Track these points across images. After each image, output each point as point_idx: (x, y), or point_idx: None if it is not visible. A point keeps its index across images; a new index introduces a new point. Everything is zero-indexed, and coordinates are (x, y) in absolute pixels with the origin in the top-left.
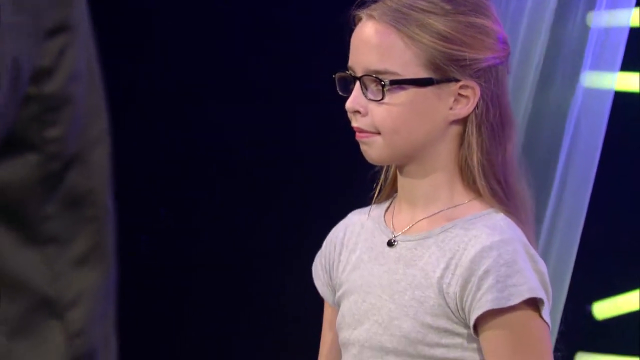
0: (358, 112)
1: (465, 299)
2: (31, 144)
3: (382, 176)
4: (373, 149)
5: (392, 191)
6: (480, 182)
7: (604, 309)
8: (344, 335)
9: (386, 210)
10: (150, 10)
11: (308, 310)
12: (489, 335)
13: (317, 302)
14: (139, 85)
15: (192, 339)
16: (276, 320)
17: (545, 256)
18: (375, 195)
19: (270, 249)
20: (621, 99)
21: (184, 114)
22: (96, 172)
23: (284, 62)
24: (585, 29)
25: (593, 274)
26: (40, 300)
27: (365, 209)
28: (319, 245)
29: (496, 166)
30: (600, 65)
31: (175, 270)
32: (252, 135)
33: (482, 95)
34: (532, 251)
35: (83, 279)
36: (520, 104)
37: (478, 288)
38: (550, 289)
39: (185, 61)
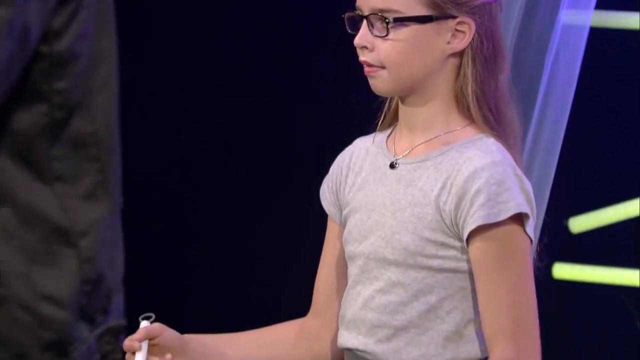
0: (365, 47)
1: (459, 215)
2: (41, 95)
3: (386, 106)
4: (379, 82)
5: (394, 119)
6: (474, 110)
7: (580, 223)
8: (351, 248)
9: (388, 137)
10: (150, 10)
11: (307, 309)
12: (478, 246)
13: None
14: (140, 84)
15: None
16: (275, 320)
17: (526, 176)
18: (380, 123)
19: (270, 248)
20: (596, 34)
21: (184, 111)
22: (99, 116)
23: (284, 59)
24: None
25: (569, 192)
26: (55, 230)
27: (370, 136)
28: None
29: (489, 95)
30: (577, 4)
31: (175, 269)
32: (252, 132)
33: (477, 30)
34: (519, 172)
35: (91, 212)
36: (506, 38)
37: (471, 205)
38: (534, 206)
39: (185, 59)
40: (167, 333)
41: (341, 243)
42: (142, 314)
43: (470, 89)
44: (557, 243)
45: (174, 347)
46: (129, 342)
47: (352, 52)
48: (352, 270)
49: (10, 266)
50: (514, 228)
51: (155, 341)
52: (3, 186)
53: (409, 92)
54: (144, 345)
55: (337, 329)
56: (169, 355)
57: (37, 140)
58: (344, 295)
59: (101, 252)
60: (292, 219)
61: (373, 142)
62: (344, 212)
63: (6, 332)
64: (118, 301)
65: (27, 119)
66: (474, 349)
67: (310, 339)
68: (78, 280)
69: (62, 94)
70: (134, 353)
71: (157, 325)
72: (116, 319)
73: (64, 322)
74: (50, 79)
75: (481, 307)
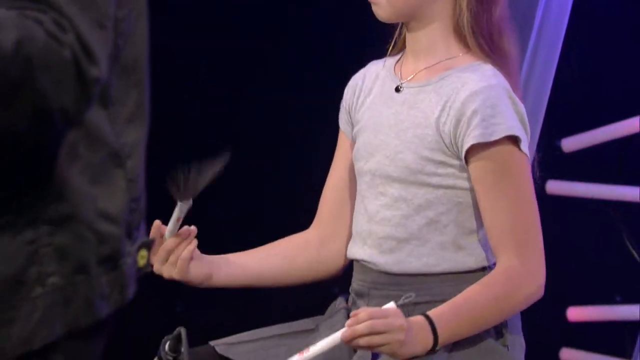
0: None
1: (457, 135)
2: (111, 21)
3: (397, 32)
4: (379, 9)
5: (403, 46)
6: (470, 39)
7: (572, 143)
8: (359, 165)
9: (396, 62)
10: None
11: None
12: (476, 165)
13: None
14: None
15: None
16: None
17: (522, 100)
18: (390, 48)
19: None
20: None
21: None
22: (139, 42)
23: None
24: None
25: (562, 114)
26: (110, 153)
27: (382, 60)
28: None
29: (483, 26)
30: None
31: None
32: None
33: None
34: (514, 95)
35: (134, 134)
36: None
37: (468, 126)
38: (528, 127)
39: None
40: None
41: (350, 157)
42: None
43: (465, 20)
44: (550, 161)
45: (198, 255)
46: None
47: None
48: (360, 185)
49: (77, 187)
50: (508, 148)
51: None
52: None
53: (409, 18)
54: (186, 205)
55: (342, 239)
56: (193, 227)
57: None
58: (355, 209)
59: (141, 172)
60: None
61: (383, 66)
62: (354, 130)
63: (70, 247)
64: (144, 221)
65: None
66: (471, 260)
67: (317, 247)
68: (127, 199)
69: (122, 21)
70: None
71: (193, 228)
72: (144, 235)
73: (117, 238)
74: (117, 7)
75: (485, 221)
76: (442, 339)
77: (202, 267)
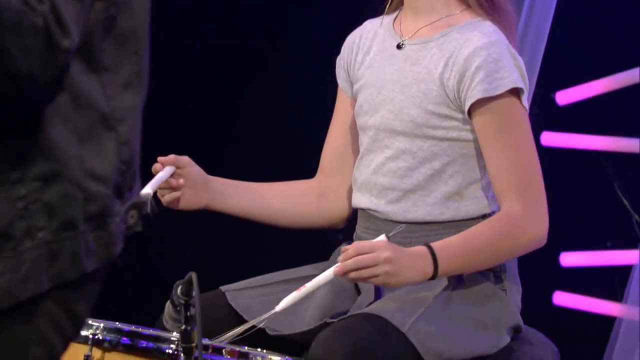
0: None
1: (461, 89)
2: None
3: None
4: None
5: (399, 3)
6: None
7: (566, 96)
8: (362, 120)
9: (394, 20)
10: None
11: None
12: (480, 118)
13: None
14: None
15: None
16: None
17: (519, 54)
18: (387, 6)
19: None
20: None
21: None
22: (138, 13)
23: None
24: None
25: (557, 69)
26: (100, 116)
27: (378, 19)
28: None
29: None
30: None
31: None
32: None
33: None
34: (513, 50)
35: (128, 100)
36: None
37: (472, 81)
38: (527, 80)
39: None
40: (194, 167)
41: (350, 113)
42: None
43: None
44: (545, 114)
45: (198, 181)
46: (157, 164)
47: None
48: (364, 139)
49: (66, 146)
50: (511, 100)
51: (181, 171)
52: (66, 76)
53: None
54: (169, 169)
55: (343, 191)
56: (182, 181)
57: (94, 34)
58: (357, 162)
59: (134, 136)
60: None
61: (381, 24)
62: (355, 87)
63: (58, 203)
64: (138, 180)
65: (90, 15)
66: (472, 208)
67: (317, 196)
68: (116, 161)
69: None
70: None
71: (186, 157)
72: (137, 196)
73: (105, 197)
74: None
75: (490, 170)
76: (442, 269)
77: (202, 198)
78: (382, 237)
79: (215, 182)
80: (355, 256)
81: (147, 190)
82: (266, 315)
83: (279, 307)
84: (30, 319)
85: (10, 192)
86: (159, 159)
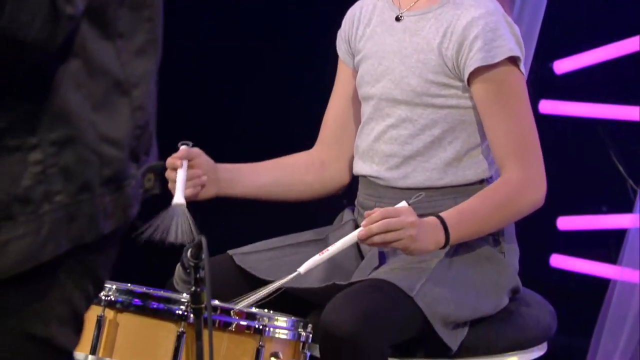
0: None
1: (460, 58)
2: None
3: None
4: None
5: None
6: None
7: (563, 65)
8: (364, 90)
9: None
10: None
11: None
12: (479, 86)
13: None
14: None
15: None
16: None
17: (518, 23)
18: None
19: None
20: None
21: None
22: None
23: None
24: None
25: (554, 39)
26: (114, 82)
27: None
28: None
29: None
30: None
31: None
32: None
33: None
34: (509, 19)
35: (142, 66)
36: None
37: (470, 50)
38: (523, 48)
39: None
40: (204, 157)
41: (351, 84)
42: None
43: None
44: (543, 82)
45: (208, 171)
46: (171, 159)
47: None
48: (366, 109)
49: (80, 112)
50: (509, 68)
51: (193, 162)
52: (78, 43)
53: None
54: (184, 163)
55: (344, 161)
56: (204, 177)
57: (109, 1)
58: (359, 130)
59: (149, 101)
60: None
61: None
62: (356, 59)
63: (74, 167)
64: (155, 144)
65: None
66: (470, 173)
67: (319, 166)
68: (131, 125)
69: None
70: (175, 170)
71: (195, 149)
72: (154, 160)
73: (120, 161)
74: None
75: (489, 136)
76: (452, 239)
77: (212, 188)
78: (403, 203)
79: (222, 170)
80: (381, 219)
81: (180, 200)
82: (290, 277)
83: (302, 269)
84: (54, 279)
85: (27, 157)
86: (172, 156)
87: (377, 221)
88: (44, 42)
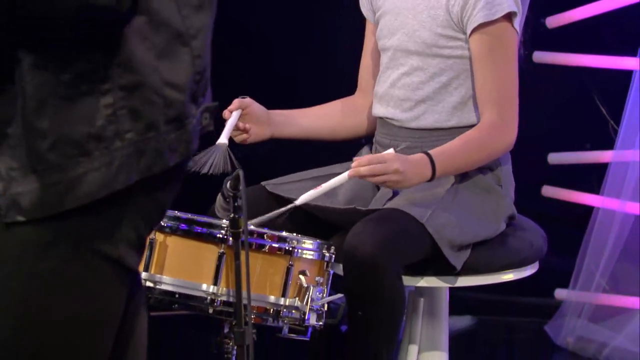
0: None
1: (464, 14)
2: None
3: None
4: None
5: None
6: None
7: (555, 20)
8: (383, 42)
9: None
10: None
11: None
12: (477, 39)
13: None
14: None
15: None
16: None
17: None
18: None
19: None
20: None
21: None
22: None
23: None
24: None
25: None
26: (176, 34)
27: None
28: None
29: None
30: None
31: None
32: None
33: None
34: None
35: (201, 20)
36: None
37: (474, 8)
38: (520, 5)
39: None
40: (256, 105)
41: (376, 38)
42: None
43: None
44: (537, 35)
45: (261, 117)
46: (227, 111)
47: None
48: (384, 59)
49: (144, 61)
50: (506, 24)
51: (246, 111)
52: (143, 2)
53: None
54: (236, 113)
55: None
56: (248, 125)
57: None
58: (377, 78)
59: (206, 50)
60: None
61: None
62: (377, 14)
63: (142, 109)
64: (210, 87)
65: None
66: (473, 116)
67: (356, 111)
68: (191, 72)
69: None
70: (230, 113)
71: (248, 99)
72: (209, 101)
73: (182, 103)
74: None
75: (477, 85)
76: (438, 173)
77: (266, 131)
78: (391, 150)
79: (274, 114)
80: (367, 165)
81: (223, 140)
82: (287, 208)
83: (298, 202)
84: (124, 207)
85: (100, 101)
86: (228, 109)
87: (364, 165)
88: (115, 6)
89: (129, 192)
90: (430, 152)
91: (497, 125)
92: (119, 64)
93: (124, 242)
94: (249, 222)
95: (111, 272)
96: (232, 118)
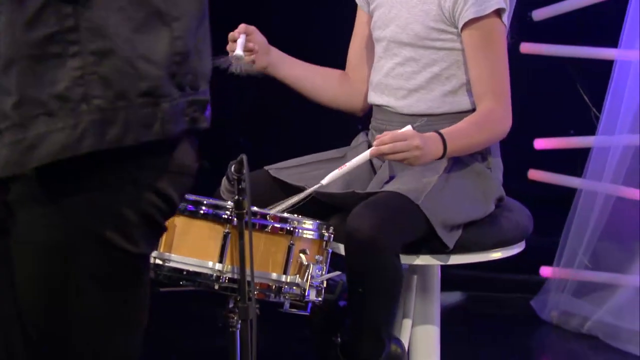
0: None
1: (455, 9)
2: None
3: None
4: None
5: None
6: None
7: (541, 13)
8: (377, 33)
9: None
10: None
11: None
12: (469, 33)
13: None
14: None
15: None
16: None
17: None
18: None
19: None
20: None
21: None
22: None
23: None
24: None
25: None
26: (155, 11)
27: None
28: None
29: None
30: None
31: None
32: None
33: None
34: None
35: (185, 4)
36: None
37: (465, 3)
38: (508, 1)
39: None
40: (259, 34)
41: (367, 27)
42: None
43: None
44: (523, 27)
45: (262, 46)
46: (231, 33)
47: None
48: (378, 49)
49: (118, 29)
50: (494, 19)
51: (250, 37)
52: None
53: None
54: (242, 36)
55: (363, 84)
56: (256, 47)
57: None
58: (372, 67)
59: (189, 35)
60: None
61: None
62: (372, 7)
63: (112, 77)
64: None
65: None
66: (464, 103)
67: (349, 84)
68: (169, 51)
69: None
70: (234, 42)
71: (252, 26)
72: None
73: (156, 77)
74: None
75: (472, 76)
76: (448, 152)
77: (264, 61)
78: (409, 127)
79: (274, 50)
80: (391, 142)
81: (239, 52)
82: (315, 187)
83: (324, 181)
84: (116, 188)
85: (68, 63)
86: (232, 33)
87: (386, 143)
88: None
89: (120, 172)
90: (442, 131)
91: (496, 112)
92: (89, 28)
93: (126, 224)
94: (278, 210)
95: (114, 254)
96: (241, 38)
